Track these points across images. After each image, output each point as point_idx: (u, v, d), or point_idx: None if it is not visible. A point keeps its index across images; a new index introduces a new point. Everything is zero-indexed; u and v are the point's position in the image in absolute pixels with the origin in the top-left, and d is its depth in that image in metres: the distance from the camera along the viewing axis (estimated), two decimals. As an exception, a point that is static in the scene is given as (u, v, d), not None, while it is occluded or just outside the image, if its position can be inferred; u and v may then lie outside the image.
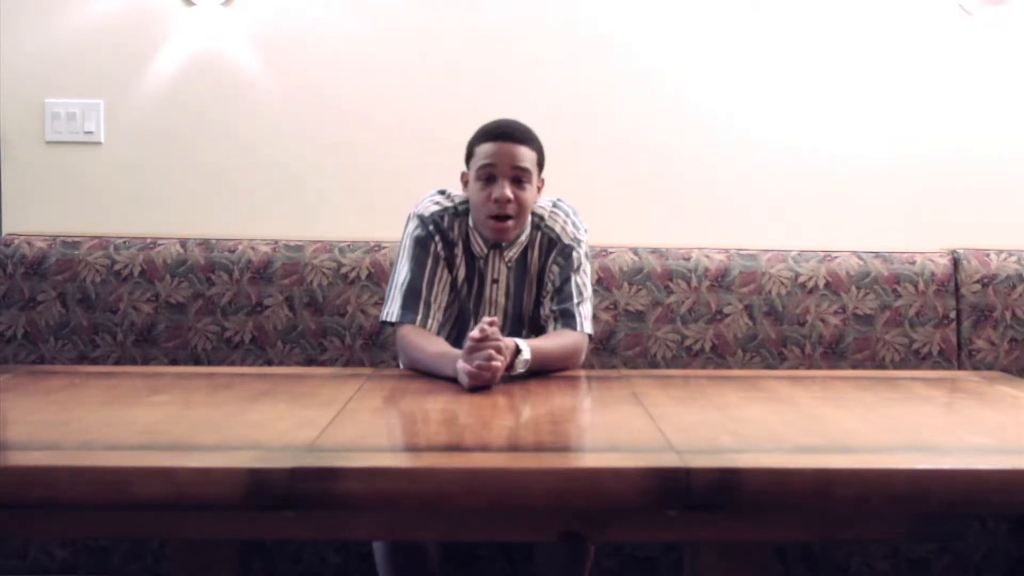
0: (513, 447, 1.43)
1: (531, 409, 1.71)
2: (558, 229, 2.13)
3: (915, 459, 1.39)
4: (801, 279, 2.55)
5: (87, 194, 2.70)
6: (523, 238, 2.12)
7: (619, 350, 2.51)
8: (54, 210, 2.69)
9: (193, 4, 2.66)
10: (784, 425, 1.61)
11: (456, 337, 2.10)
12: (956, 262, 2.59)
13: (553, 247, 2.12)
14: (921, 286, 2.55)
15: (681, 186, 2.73)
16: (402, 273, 2.09)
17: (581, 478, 1.27)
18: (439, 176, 2.70)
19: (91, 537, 2.23)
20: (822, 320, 2.53)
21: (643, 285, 2.53)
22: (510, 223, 2.03)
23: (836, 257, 2.58)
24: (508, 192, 1.99)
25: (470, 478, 1.26)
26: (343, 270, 2.53)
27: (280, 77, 2.70)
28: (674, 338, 2.52)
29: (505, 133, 2.02)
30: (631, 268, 2.55)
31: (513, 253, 2.12)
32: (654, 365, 2.51)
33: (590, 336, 2.12)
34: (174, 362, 2.48)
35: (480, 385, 1.76)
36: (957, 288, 2.57)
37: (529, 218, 2.10)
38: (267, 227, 2.62)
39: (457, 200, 2.15)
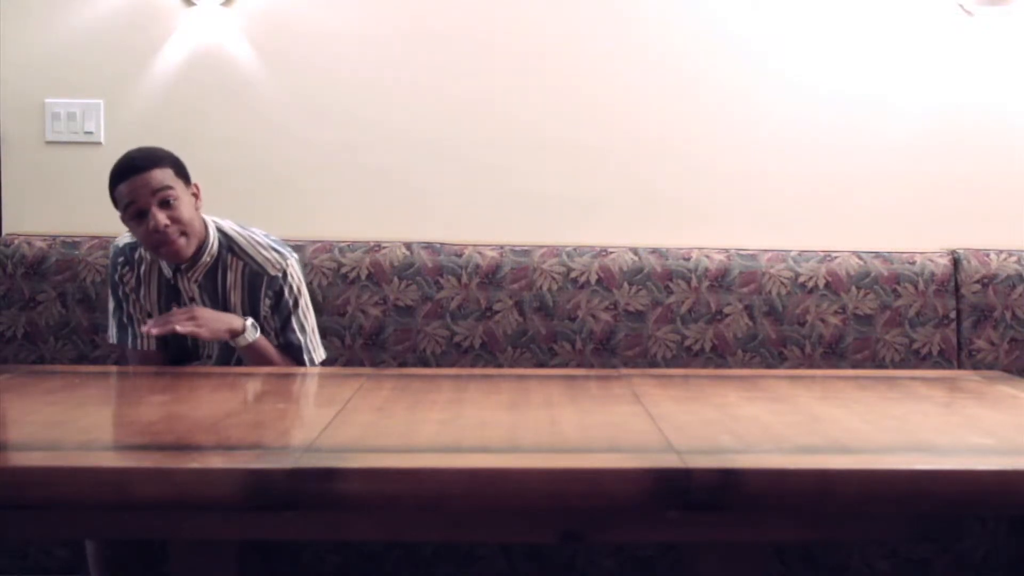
0: (513, 447, 1.43)
1: (531, 409, 1.71)
2: (260, 260, 2.16)
3: (915, 459, 1.40)
4: (801, 279, 2.55)
5: (87, 194, 2.69)
6: (206, 258, 2.12)
7: (619, 350, 2.51)
8: (54, 210, 2.69)
9: (193, 4, 2.66)
10: (784, 425, 1.61)
11: (175, 357, 2.19)
12: (956, 262, 2.59)
13: (259, 280, 2.14)
14: (921, 286, 2.55)
15: (681, 186, 2.73)
16: (111, 303, 2.21)
17: (581, 478, 1.27)
18: (439, 175, 2.72)
19: (91, 537, 2.23)
20: (822, 320, 2.53)
21: (643, 285, 2.53)
22: (181, 241, 2.04)
23: (836, 257, 2.58)
24: (162, 219, 2.00)
25: (470, 478, 1.26)
26: (343, 270, 2.53)
27: (280, 77, 2.70)
28: (674, 338, 2.52)
29: (130, 167, 2.02)
30: (631, 268, 2.55)
31: (198, 274, 2.13)
32: (654, 365, 2.50)
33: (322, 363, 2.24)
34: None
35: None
36: (957, 288, 2.56)
37: (209, 232, 2.13)
38: (267, 227, 2.61)
39: None
